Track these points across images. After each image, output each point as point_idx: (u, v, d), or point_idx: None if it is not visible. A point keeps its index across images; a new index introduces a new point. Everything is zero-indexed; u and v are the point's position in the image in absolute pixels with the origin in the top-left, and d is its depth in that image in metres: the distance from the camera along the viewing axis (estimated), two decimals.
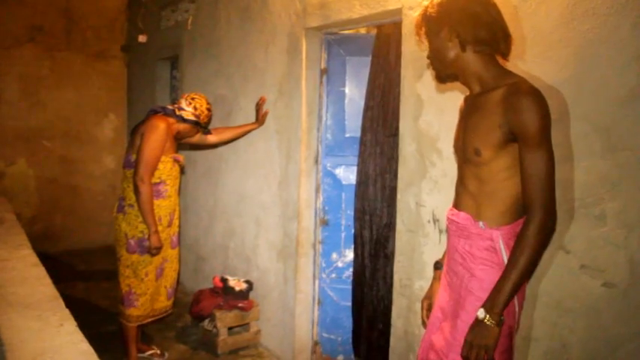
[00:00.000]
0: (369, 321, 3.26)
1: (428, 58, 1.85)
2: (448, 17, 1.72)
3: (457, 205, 1.85)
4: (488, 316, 1.59)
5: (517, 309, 1.71)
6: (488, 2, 1.71)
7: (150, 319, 3.45)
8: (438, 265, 2.07)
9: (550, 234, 1.62)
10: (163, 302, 3.48)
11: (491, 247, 1.70)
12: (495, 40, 1.70)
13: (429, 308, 2.04)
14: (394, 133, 3.06)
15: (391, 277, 3.12)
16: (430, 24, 1.78)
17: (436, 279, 2.06)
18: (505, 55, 1.74)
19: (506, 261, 1.65)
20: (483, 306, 1.61)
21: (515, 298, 1.67)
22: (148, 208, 3.14)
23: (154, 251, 3.21)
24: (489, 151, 1.66)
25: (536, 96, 1.58)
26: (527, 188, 1.59)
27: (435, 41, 1.79)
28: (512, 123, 1.59)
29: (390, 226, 3.15)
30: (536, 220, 1.56)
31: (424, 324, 2.06)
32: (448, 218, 1.87)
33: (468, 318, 1.69)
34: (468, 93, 1.85)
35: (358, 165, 3.28)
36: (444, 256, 2.03)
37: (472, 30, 1.69)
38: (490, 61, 1.73)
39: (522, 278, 1.60)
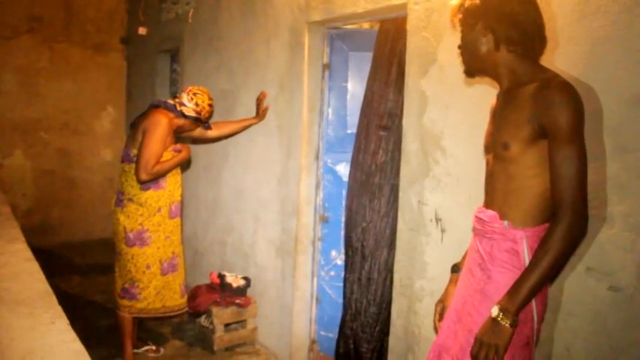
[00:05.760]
0: (343, 322, 3.24)
1: (459, 48, 1.79)
2: (485, 12, 1.65)
3: (486, 203, 1.80)
4: (502, 314, 1.53)
5: (536, 318, 1.65)
6: (528, 1, 1.64)
7: (160, 315, 3.44)
8: (455, 269, 2.01)
9: (579, 237, 1.56)
10: (177, 300, 3.46)
11: (512, 249, 1.64)
12: (530, 41, 1.64)
13: (442, 312, 1.98)
14: (385, 127, 3.01)
15: (367, 279, 3.08)
16: (466, 15, 1.71)
17: (452, 282, 2.00)
18: (537, 56, 1.69)
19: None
20: (498, 303, 1.56)
21: (534, 307, 1.62)
22: (169, 165, 3.21)
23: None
24: (518, 145, 1.60)
25: (569, 91, 1.52)
26: (556, 187, 1.53)
27: (469, 33, 1.72)
28: (543, 118, 1.53)
29: (370, 224, 3.09)
30: (564, 222, 1.50)
31: (436, 329, 2.01)
32: (475, 216, 1.81)
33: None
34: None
35: (352, 160, 3.22)
36: (462, 259, 1.97)
37: (507, 29, 1.63)
38: (523, 59, 1.67)
39: (543, 280, 1.53)
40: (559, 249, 1.50)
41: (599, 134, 1.80)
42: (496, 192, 1.73)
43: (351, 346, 3.17)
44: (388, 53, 3.05)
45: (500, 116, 1.73)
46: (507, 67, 1.69)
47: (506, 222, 1.66)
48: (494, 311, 1.55)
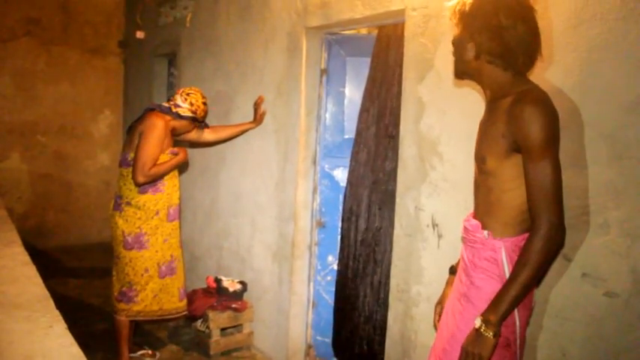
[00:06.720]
0: (353, 325, 3.23)
1: (452, 52, 1.81)
2: (472, 20, 1.66)
3: (474, 211, 1.83)
4: (484, 326, 1.56)
5: (518, 323, 1.67)
6: (520, 16, 1.60)
7: (157, 318, 3.45)
8: (452, 270, 2.04)
9: (556, 249, 1.58)
10: (175, 303, 3.46)
11: (492, 257, 1.68)
12: (513, 57, 1.62)
13: (441, 313, 2.00)
14: (390, 135, 3.02)
15: (379, 283, 3.08)
16: (458, 19, 1.72)
17: (449, 284, 2.03)
18: (522, 72, 1.67)
19: (507, 273, 1.63)
20: (482, 315, 1.59)
21: (516, 311, 1.64)
22: (166, 167, 3.20)
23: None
24: (494, 160, 1.63)
25: (541, 105, 1.53)
26: (532, 201, 1.56)
27: (459, 36, 1.73)
28: (515, 133, 1.55)
29: (381, 230, 3.11)
30: (540, 235, 1.52)
31: (436, 329, 2.04)
32: (463, 224, 1.84)
33: (466, 328, 1.66)
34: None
35: (350, 165, 3.24)
36: (458, 261, 2.00)
37: (488, 41, 1.63)
38: (504, 71, 1.67)
39: (524, 291, 1.56)
40: (536, 261, 1.53)
41: (587, 142, 1.82)
42: (479, 202, 1.77)
43: (365, 347, 3.19)
44: (390, 60, 3.07)
45: (482, 129, 1.75)
46: (489, 78, 1.70)
47: (486, 232, 1.69)
48: (477, 322, 1.58)
